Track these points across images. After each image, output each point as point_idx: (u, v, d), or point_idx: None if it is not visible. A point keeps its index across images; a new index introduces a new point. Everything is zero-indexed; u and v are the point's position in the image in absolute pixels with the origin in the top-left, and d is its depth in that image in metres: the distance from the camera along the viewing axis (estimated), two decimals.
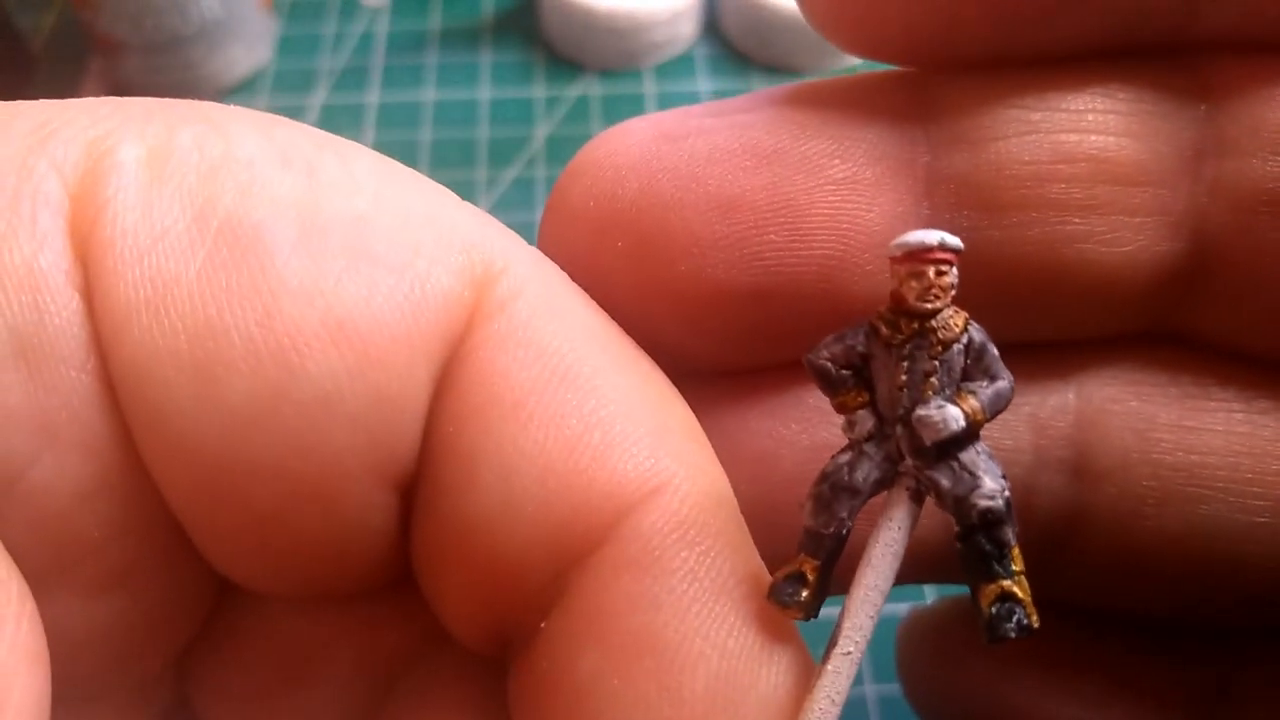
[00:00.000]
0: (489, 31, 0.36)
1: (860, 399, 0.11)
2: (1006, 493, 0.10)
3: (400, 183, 0.11)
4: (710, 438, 0.11)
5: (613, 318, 0.12)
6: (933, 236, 0.10)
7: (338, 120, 0.33)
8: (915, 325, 0.10)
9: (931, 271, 0.10)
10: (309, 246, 0.10)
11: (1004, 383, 0.10)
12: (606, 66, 0.35)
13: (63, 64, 0.35)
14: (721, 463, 0.11)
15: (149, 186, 0.10)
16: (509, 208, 0.31)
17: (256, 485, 0.10)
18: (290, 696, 0.12)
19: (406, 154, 0.32)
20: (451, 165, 0.32)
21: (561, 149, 0.33)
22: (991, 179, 0.12)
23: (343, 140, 0.11)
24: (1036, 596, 0.13)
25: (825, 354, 0.11)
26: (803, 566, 0.10)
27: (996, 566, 0.10)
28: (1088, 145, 0.12)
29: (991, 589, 0.10)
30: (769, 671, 0.10)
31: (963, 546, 0.10)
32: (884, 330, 0.10)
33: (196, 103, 0.11)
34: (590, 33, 0.34)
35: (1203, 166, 0.12)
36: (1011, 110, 0.12)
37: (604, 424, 0.10)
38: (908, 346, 0.10)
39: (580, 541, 0.10)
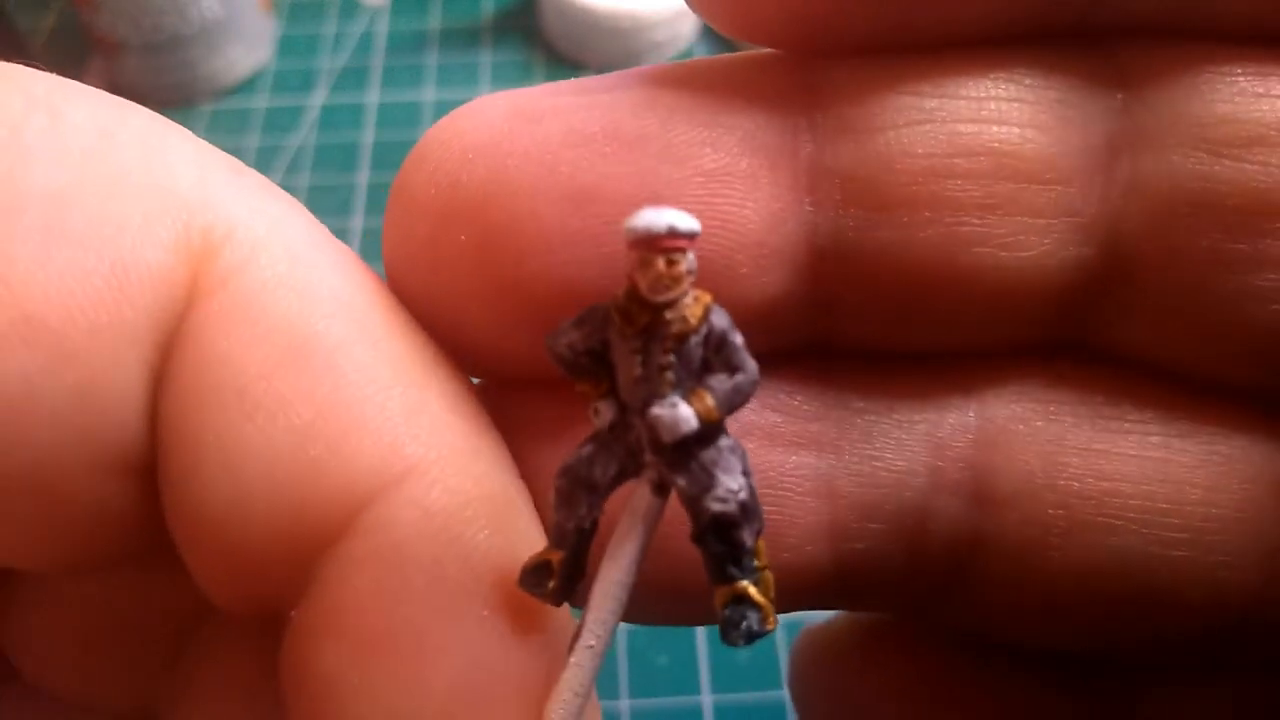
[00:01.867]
0: (489, 31, 0.36)
1: (601, 388, 0.10)
2: (743, 494, 0.09)
3: (120, 142, 0.10)
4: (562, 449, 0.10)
5: (456, 320, 0.11)
6: (661, 221, 0.09)
7: (337, 120, 0.33)
8: (649, 316, 0.09)
9: (661, 262, 0.09)
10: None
11: (743, 376, 0.09)
12: (607, 65, 0.35)
13: (62, 64, 0.35)
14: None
15: None
16: None
17: None
18: (89, 661, 0.12)
19: (407, 153, 0.32)
20: None
21: None
22: (880, 173, 0.10)
23: (65, 87, 0.10)
24: (932, 625, 0.12)
25: (564, 339, 0.10)
26: (548, 556, 0.10)
27: (731, 568, 0.10)
28: (988, 137, 0.10)
29: (724, 591, 0.10)
30: (517, 661, 0.10)
31: (700, 548, 0.10)
32: (617, 320, 0.09)
33: None
34: (591, 32, 0.34)
35: (1117, 163, 0.10)
36: (904, 97, 0.10)
37: (342, 407, 0.09)
38: (642, 338, 0.09)
39: (317, 535, 0.09)
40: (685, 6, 0.38)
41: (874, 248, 0.10)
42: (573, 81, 0.11)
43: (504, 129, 0.11)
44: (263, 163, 0.32)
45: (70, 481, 0.09)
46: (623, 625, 0.25)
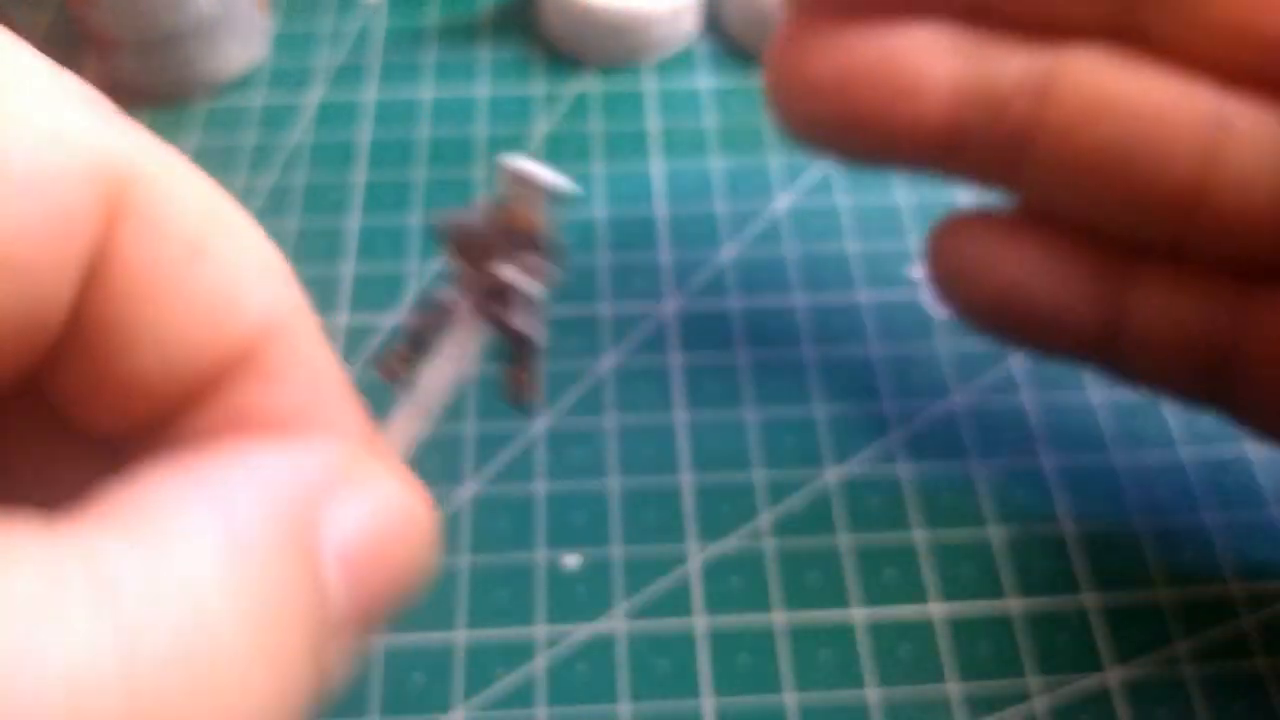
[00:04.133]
0: (487, 28, 0.36)
1: None
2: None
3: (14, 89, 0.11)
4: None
5: None
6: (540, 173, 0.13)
7: (334, 117, 0.33)
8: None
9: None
10: None
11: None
12: (607, 63, 0.35)
13: (58, 60, 0.35)
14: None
15: None
16: None
17: None
18: None
19: (404, 151, 0.32)
20: (449, 163, 0.32)
21: (560, 146, 0.33)
22: None
23: None
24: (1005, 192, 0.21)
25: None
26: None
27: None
28: None
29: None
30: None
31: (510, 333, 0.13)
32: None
33: None
34: (590, 29, 0.34)
35: None
36: None
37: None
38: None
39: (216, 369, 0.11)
40: (685, 6, 0.38)
41: None
42: None
43: None
44: (259, 159, 0.32)
45: None
46: (620, 628, 0.25)
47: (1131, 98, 0.18)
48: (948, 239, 0.22)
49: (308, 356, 0.12)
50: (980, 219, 0.22)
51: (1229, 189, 0.17)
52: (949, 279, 0.22)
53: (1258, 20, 0.16)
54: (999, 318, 0.22)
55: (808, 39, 0.20)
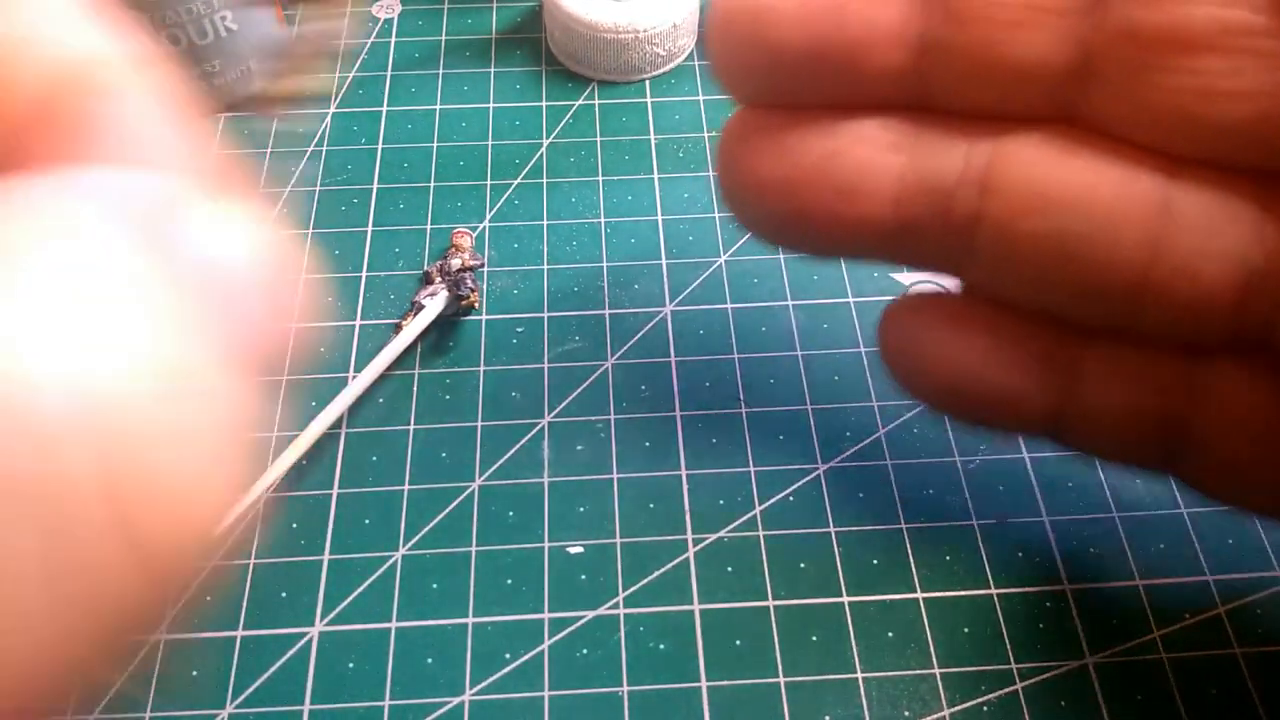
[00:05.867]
0: (496, 43, 0.37)
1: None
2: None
3: None
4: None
5: None
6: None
7: (350, 129, 0.34)
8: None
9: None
10: None
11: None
12: (608, 77, 0.36)
13: None
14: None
15: None
16: (514, 213, 0.32)
17: None
18: None
19: (416, 161, 0.33)
20: (459, 172, 0.33)
21: (564, 156, 0.34)
22: (963, 3, 0.17)
23: None
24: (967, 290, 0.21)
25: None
26: None
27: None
28: None
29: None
30: None
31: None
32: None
33: None
34: (594, 45, 0.35)
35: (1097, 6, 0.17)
36: None
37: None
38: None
39: None
40: (684, 22, 0.40)
41: (955, 45, 0.17)
42: None
43: None
44: (277, 171, 0.33)
45: None
46: (621, 613, 0.26)
47: (1070, 188, 0.17)
48: (896, 326, 0.21)
49: (126, 114, 0.10)
50: (929, 303, 0.21)
51: (1175, 276, 0.17)
52: (899, 366, 0.21)
53: (1205, 111, 0.16)
54: (950, 404, 0.21)
55: (754, 138, 0.19)
